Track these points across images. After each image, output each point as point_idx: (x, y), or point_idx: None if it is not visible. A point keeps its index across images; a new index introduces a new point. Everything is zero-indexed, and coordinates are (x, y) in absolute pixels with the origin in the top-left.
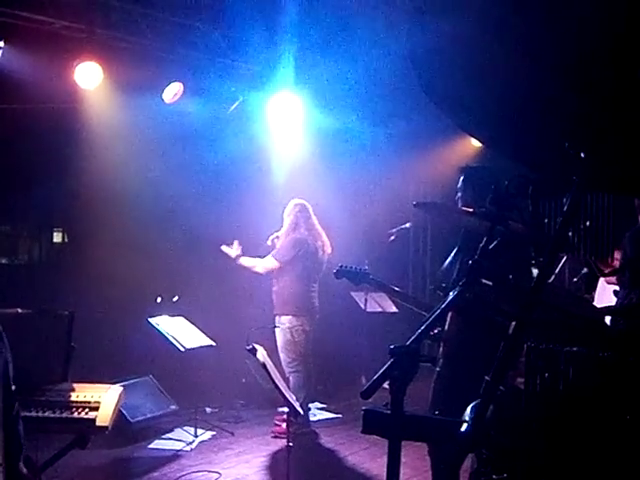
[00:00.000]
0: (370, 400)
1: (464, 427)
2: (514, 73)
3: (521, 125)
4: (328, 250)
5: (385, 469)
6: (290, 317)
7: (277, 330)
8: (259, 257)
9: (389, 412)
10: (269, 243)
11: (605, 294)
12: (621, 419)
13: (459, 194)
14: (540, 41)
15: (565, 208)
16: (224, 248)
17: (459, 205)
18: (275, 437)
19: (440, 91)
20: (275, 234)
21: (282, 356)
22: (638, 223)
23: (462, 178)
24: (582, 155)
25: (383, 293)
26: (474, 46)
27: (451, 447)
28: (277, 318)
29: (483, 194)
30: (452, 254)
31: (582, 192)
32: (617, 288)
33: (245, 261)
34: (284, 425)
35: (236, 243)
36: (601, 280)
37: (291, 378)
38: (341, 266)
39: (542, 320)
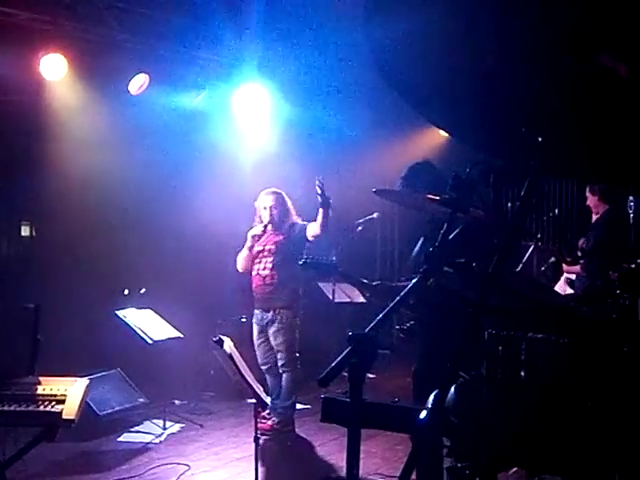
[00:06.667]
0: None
1: (423, 414)
2: (475, 61)
3: (484, 114)
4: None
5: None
6: (292, 311)
7: (277, 327)
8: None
9: (348, 400)
10: (259, 232)
11: (561, 283)
12: (582, 405)
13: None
14: (502, 28)
15: (522, 193)
16: None
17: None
18: (262, 434)
19: (403, 83)
20: (258, 227)
21: (282, 355)
22: (602, 211)
23: (401, 181)
24: (539, 139)
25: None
26: (434, 35)
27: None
28: (274, 313)
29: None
30: (419, 243)
31: (539, 177)
32: (573, 277)
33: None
34: (269, 422)
35: None
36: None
37: (287, 376)
38: (307, 257)
39: (506, 307)
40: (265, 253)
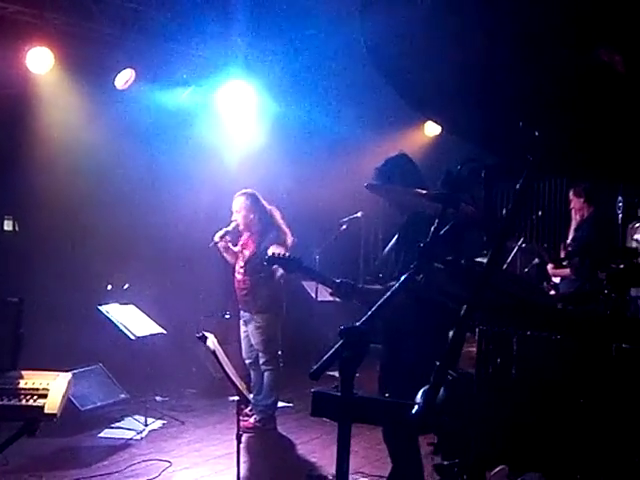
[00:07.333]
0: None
1: (414, 409)
2: (472, 54)
3: (481, 108)
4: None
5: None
6: (269, 314)
7: (254, 326)
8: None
9: (339, 394)
10: (217, 239)
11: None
12: (574, 402)
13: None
14: (498, 20)
15: (517, 188)
16: None
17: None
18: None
19: (399, 78)
20: (223, 230)
21: (262, 354)
22: (588, 213)
23: (377, 173)
24: (536, 133)
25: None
26: (430, 31)
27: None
28: (251, 314)
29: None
30: (391, 243)
31: (535, 173)
32: (557, 280)
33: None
34: (250, 420)
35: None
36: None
37: (268, 374)
38: (273, 254)
39: (495, 305)
40: (241, 256)
